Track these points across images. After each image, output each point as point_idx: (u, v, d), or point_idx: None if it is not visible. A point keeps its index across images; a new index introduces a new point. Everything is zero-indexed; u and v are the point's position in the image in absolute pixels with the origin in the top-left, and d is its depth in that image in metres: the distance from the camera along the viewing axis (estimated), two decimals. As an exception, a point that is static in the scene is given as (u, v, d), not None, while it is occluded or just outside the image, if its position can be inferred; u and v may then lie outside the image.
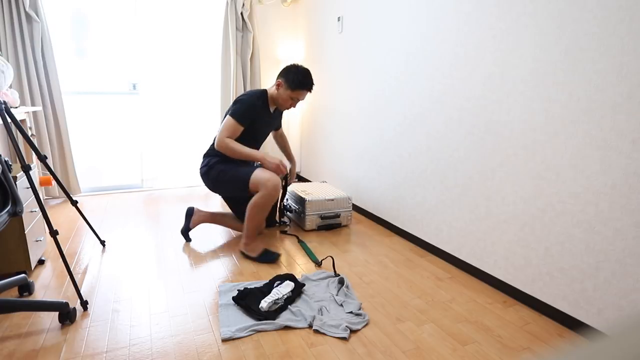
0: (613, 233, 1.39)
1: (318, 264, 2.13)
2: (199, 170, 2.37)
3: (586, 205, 1.46)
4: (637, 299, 1.33)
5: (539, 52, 1.58)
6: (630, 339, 0.20)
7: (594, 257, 1.45)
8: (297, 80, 2.15)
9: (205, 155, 2.34)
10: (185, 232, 2.42)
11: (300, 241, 2.44)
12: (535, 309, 1.70)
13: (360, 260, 2.18)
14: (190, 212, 2.44)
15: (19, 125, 1.73)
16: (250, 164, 2.28)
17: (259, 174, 2.08)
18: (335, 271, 1.99)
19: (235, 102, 2.19)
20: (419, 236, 2.39)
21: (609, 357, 0.19)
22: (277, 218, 2.74)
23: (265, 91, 2.27)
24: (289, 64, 2.25)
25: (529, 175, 1.67)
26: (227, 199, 2.48)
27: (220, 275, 2.00)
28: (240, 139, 2.19)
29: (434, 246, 2.27)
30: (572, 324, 1.55)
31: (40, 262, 2.09)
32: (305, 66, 2.40)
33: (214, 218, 2.45)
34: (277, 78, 2.22)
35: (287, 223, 2.78)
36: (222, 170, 2.20)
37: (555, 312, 1.61)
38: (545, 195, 1.61)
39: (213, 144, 2.30)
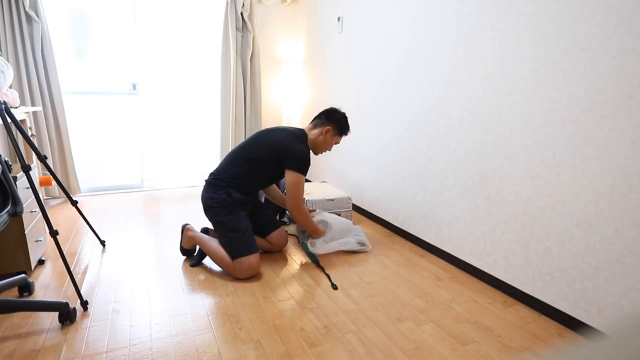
0: (613, 233, 1.39)
1: (318, 264, 2.13)
2: (206, 195, 2.07)
3: (586, 205, 1.46)
4: (637, 299, 1.33)
5: (539, 52, 1.58)
6: (630, 339, 0.20)
7: (594, 257, 1.45)
8: (345, 126, 2.25)
9: (217, 185, 2.06)
10: (182, 253, 2.20)
11: (300, 241, 2.44)
12: (535, 309, 1.70)
13: (360, 260, 2.18)
14: (183, 228, 2.20)
15: (19, 125, 1.73)
16: (250, 233, 2.03)
17: (245, 264, 1.93)
18: (331, 282, 1.98)
19: (294, 155, 2.05)
20: (419, 236, 2.39)
21: (609, 357, 0.19)
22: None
23: (305, 134, 2.22)
24: (328, 108, 2.26)
25: (529, 175, 1.67)
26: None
27: (220, 274, 1.99)
28: (259, 175, 2.10)
29: (434, 246, 2.27)
30: (572, 324, 1.55)
31: (40, 262, 2.09)
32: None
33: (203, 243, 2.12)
34: (324, 124, 2.21)
35: (287, 223, 2.79)
36: (233, 226, 1.99)
37: (555, 312, 1.61)
38: (545, 195, 1.61)
39: (226, 171, 2.09)
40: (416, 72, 2.29)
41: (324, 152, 2.29)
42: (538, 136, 1.62)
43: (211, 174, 2.14)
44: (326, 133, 2.21)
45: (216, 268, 2.07)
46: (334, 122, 2.22)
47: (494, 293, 1.84)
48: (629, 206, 1.33)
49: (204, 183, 2.17)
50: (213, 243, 2.06)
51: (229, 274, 1.99)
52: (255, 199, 2.21)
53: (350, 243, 2.28)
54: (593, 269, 1.46)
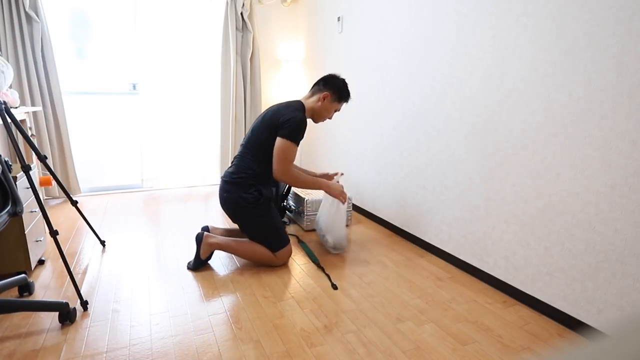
0: (613, 233, 1.39)
1: (318, 264, 2.13)
2: (234, 196, 2.04)
3: (586, 205, 1.46)
4: (637, 299, 1.33)
5: (539, 52, 1.58)
6: (631, 339, 0.20)
7: (594, 257, 1.45)
8: (345, 92, 2.18)
9: (244, 184, 2.03)
10: (197, 266, 2.06)
11: (300, 241, 2.44)
12: (535, 309, 1.70)
13: (360, 260, 2.18)
14: (199, 238, 2.06)
15: (19, 125, 1.73)
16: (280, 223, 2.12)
17: (286, 253, 2.09)
18: (331, 282, 1.97)
19: (285, 121, 1.99)
20: (419, 236, 2.39)
21: (609, 357, 0.19)
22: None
23: (302, 103, 2.15)
24: (327, 74, 2.20)
25: (529, 175, 1.67)
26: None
27: (220, 274, 2.00)
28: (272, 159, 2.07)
29: (434, 246, 2.27)
30: (572, 324, 1.55)
31: (40, 262, 2.09)
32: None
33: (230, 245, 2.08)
34: (322, 90, 2.15)
35: (287, 223, 2.79)
36: (272, 225, 2.06)
37: (555, 312, 1.61)
38: (545, 195, 1.61)
39: (246, 167, 2.06)
40: (416, 72, 2.29)
41: (324, 120, 2.23)
42: (538, 136, 1.62)
43: (230, 174, 2.09)
44: (324, 99, 2.14)
45: (216, 268, 2.07)
46: (333, 87, 2.15)
47: (494, 293, 1.84)
48: (629, 206, 1.33)
49: (220, 182, 2.12)
50: (242, 244, 2.07)
51: (268, 265, 2.10)
52: (275, 190, 2.26)
53: (328, 243, 2.27)
54: (593, 269, 1.46)
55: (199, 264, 2.06)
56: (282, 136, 1.99)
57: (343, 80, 2.18)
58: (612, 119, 1.36)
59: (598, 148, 1.41)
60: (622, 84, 1.32)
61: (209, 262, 2.13)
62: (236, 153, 2.20)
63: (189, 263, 2.08)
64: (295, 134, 2.00)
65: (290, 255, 2.13)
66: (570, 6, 1.46)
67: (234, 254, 2.10)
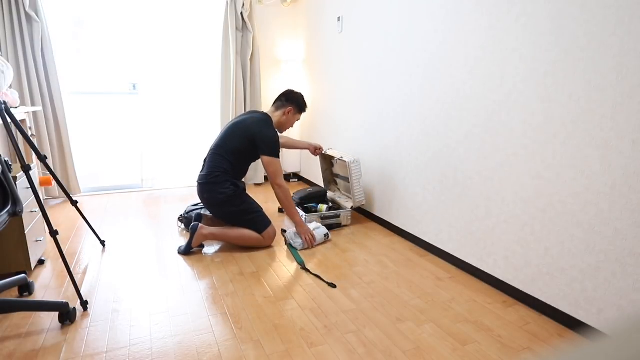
0: (613, 233, 1.39)
1: (303, 266, 2.13)
2: (212, 195, 2.28)
3: (586, 205, 1.46)
4: (637, 299, 1.33)
5: (539, 52, 1.58)
6: (631, 339, 0.20)
7: (594, 257, 1.45)
8: (304, 104, 2.54)
9: (220, 182, 2.27)
10: (187, 252, 2.25)
11: (287, 243, 2.40)
12: (535, 309, 1.70)
13: (360, 260, 2.18)
14: (194, 229, 2.25)
15: (19, 125, 1.73)
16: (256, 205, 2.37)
17: (271, 233, 2.33)
18: (326, 281, 1.97)
19: (267, 142, 2.30)
20: (419, 236, 2.39)
21: (609, 357, 0.19)
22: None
23: (269, 116, 2.44)
24: (286, 90, 2.52)
25: (529, 175, 1.67)
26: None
27: (220, 274, 2.00)
28: (245, 162, 2.38)
29: (434, 246, 2.27)
30: (572, 324, 1.55)
31: (40, 262, 2.09)
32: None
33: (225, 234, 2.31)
34: (285, 105, 2.47)
35: (287, 223, 2.79)
36: (252, 209, 2.32)
37: (555, 312, 1.61)
38: (545, 195, 1.61)
39: (218, 168, 2.29)
40: (416, 72, 2.29)
41: (288, 129, 2.57)
42: (538, 136, 1.62)
43: (204, 176, 2.31)
44: (288, 113, 2.48)
45: (216, 268, 2.07)
46: (294, 102, 2.49)
47: (494, 293, 1.84)
48: (629, 206, 1.33)
49: (197, 187, 2.36)
50: (232, 231, 2.29)
51: (258, 247, 2.31)
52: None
53: (319, 235, 2.40)
54: (593, 269, 1.46)
55: (189, 250, 2.25)
56: (268, 154, 2.31)
57: (301, 94, 2.53)
58: (612, 119, 1.36)
59: (598, 148, 1.41)
60: (622, 84, 1.32)
61: (211, 261, 2.13)
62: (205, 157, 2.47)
63: (179, 247, 2.27)
64: (277, 151, 2.35)
65: (275, 235, 2.36)
66: (570, 6, 1.46)
67: (226, 241, 2.32)
